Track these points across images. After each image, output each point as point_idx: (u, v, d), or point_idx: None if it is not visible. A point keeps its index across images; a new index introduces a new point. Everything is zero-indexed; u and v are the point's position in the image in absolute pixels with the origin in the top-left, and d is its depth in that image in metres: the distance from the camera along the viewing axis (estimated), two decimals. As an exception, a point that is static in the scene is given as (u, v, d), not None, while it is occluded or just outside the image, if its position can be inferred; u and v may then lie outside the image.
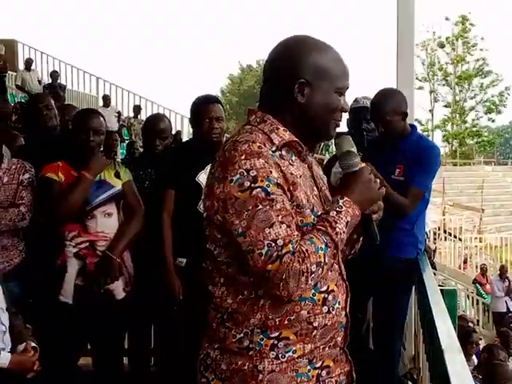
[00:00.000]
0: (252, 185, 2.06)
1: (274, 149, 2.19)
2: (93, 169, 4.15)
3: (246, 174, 2.07)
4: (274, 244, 2.03)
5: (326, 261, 2.10)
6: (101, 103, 20.62)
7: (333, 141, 2.44)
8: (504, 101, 53.48)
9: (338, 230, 2.12)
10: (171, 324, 4.61)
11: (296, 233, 2.09)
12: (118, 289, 4.26)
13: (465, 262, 23.94)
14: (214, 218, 2.17)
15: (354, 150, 2.32)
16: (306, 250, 2.05)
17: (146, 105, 22.68)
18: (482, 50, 51.96)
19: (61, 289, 4.13)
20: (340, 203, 2.18)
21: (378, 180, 2.29)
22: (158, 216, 4.47)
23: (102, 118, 4.36)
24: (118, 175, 4.32)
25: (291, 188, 2.16)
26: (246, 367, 2.18)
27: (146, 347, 5.29)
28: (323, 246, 2.09)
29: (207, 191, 2.21)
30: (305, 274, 2.04)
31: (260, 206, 2.05)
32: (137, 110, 20.16)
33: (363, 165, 2.30)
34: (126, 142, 16.16)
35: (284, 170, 2.16)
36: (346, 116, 5.13)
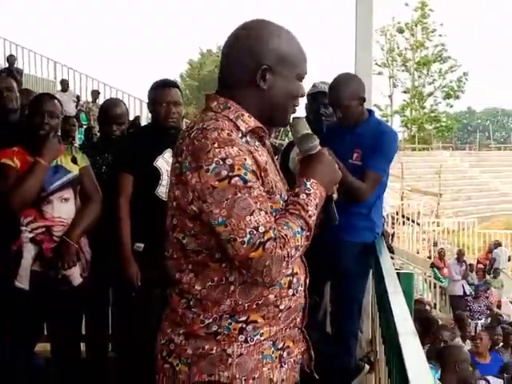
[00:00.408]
0: (230, 173, 2.06)
1: (240, 135, 2.19)
2: (48, 154, 4.10)
3: (222, 162, 2.06)
4: (255, 231, 2.04)
5: (302, 243, 2.15)
6: (59, 88, 20.39)
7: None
8: (462, 86, 53.99)
9: (310, 212, 2.17)
10: (129, 309, 4.59)
11: (273, 219, 2.11)
12: (75, 274, 4.23)
13: (435, 244, 24.10)
14: (187, 207, 2.15)
15: (310, 131, 2.33)
16: (286, 235, 2.08)
17: (104, 89, 22.47)
18: (440, 35, 52.34)
19: (17, 274, 4.09)
20: (308, 185, 2.21)
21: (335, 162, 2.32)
22: (114, 201, 4.44)
23: (57, 102, 4.32)
24: (74, 160, 4.29)
25: (263, 174, 2.17)
26: (213, 351, 2.19)
27: (104, 333, 5.27)
28: (299, 230, 2.13)
29: (176, 180, 2.18)
30: (286, 258, 2.07)
31: (239, 195, 2.05)
32: (95, 94, 20.02)
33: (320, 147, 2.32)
34: (84, 127, 16.02)
35: (255, 156, 2.16)
36: (304, 101, 5.15)
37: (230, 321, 2.19)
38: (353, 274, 4.47)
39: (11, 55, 20.13)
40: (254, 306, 2.19)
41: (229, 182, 2.05)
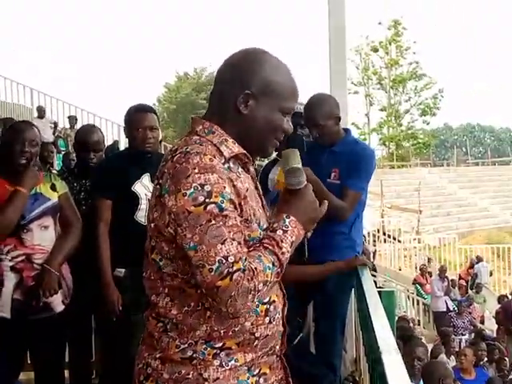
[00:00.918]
0: (206, 200, 2.06)
1: (223, 161, 2.19)
2: (28, 183, 4.07)
3: (200, 188, 2.06)
4: (225, 261, 2.03)
5: (272, 279, 2.13)
6: (35, 114, 20.32)
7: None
8: (437, 103, 54.38)
9: (283, 249, 2.15)
10: (111, 335, 4.57)
11: (245, 250, 2.10)
12: (57, 301, 4.20)
13: (429, 261, 24.02)
14: (163, 230, 2.16)
15: (300, 165, 2.31)
16: (255, 269, 2.06)
17: (81, 115, 22.40)
18: (414, 53, 52.76)
19: None
20: (286, 222, 2.20)
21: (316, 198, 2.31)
22: (93, 227, 4.43)
23: (36, 129, 4.30)
24: (53, 187, 4.27)
25: (242, 202, 2.17)
26: (190, 376, 2.18)
27: (87, 359, 5.24)
28: (270, 265, 2.11)
29: (155, 202, 2.19)
30: (252, 292, 2.06)
31: (213, 222, 2.05)
32: (72, 120, 19.95)
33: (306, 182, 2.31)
34: (63, 152, 15.97)
35: (236, 184, 2.16)
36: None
37: (205, 346, 2.18)
38: (335, 294, 4.47)
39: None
40: (230, 333, 2.19)
41: (204, 208, 2.05)
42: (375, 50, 53.18)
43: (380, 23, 52.72)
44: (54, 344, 4.32)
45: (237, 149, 2.25)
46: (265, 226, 2.25)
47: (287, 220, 2.20)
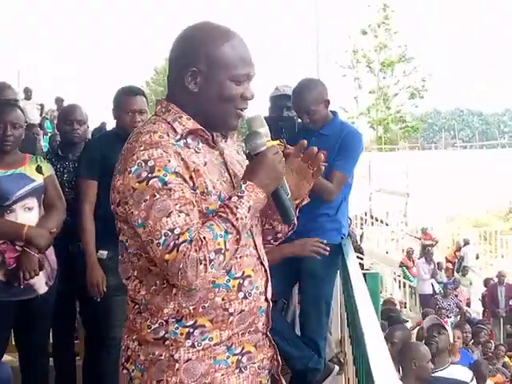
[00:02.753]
0: (149, 175, 2.06)
1: (178, 137, 2.19)
2: (38, 243, 4.10)
3: (143, 164, 2.07)
4: (170, 233, 2.03)
5: (228, 247, 2.09)
6: (22, 96, 20.20)
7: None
8: (426, 86, 54.31)
9: (238, 215, 2.12)
10: (94, 316, 4.57)
11: (196, 221, 2.08)
12: (40, 283, 4.20)
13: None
14: (117, 209, 2.18)
15: (263, 130, 2.28)
16: (204, 238, 2.04)
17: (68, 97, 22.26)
18: (403, 37, 52.59)
19: None
20: (242, 188, 2.17)
21: (283, 158, 2.27)
22: (78, 208, 4.43)
23: (19, 111, 4.27)
24: (39, 170, 4.24)
25: (193, 175, 2.14)
26: (162, 357, 2.19)
27: (71, 340, 5.24)
28: (222, 233, 2.08)
29: (112, 184, 2.20)
30: (203, 262, 2.03)
31: (157, 196, 2.05)
32: (59, 102, 19.82)
33: (270, 145, 2.27)
34: (49, 134, 15.89)
35: (185, 158, 2.14)
36: (267, 104, 5.17)
37: (176, 325, 2.18)
38: (320, 276, 4.47)
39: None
40: (201, 310, 2.17)
41: (147, 183, 2.06)
42: (364, 33, 53.02)
43: (369, 6, 52.54)
44: (38, 325, 4.33)
45: (191, 125, 2.24)
46: None
47: (243, 186, 2.17)
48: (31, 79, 23.20)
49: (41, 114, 19.27)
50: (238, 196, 2.15)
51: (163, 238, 2.03)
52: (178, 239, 2.02)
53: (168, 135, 2.17)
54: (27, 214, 4.15)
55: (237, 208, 2.12)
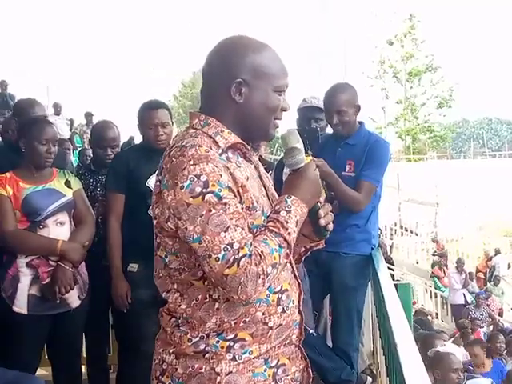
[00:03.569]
0: (204, 190, 2.05)
1: (220, 152, 2.18)
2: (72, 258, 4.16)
3: (196, 179, 2.05)
4: (230, 248, 2.03)
5: (281, 261, 2.11)
6: (52, 111, 20.38)
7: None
8: (453, 95, 54.01)
9: (289, 230, 2.13)
10: (125, 330, 4.58)
11: (250, 235, 2.09)
12: (73, 297, 4.22)
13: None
14: (165, 225, 2.16)
15: (300, 145, 2.28)
16: (262, 252, 2.05)
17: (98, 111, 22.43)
18: (430, 46, 52.41)
19: (14, 299, 4.07)
20: (289, 203, 2.17)
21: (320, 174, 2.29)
22: (105, 221, 4.46)
23: (55, 127, 4.34)
24: (68, 184, 4.28)
25: (241, 190, 2.15)
26: (203, 370, 2.18)
27: (105, 353, 5.26)
28: (277, 247, 2.09)
29: (156, 198, 2.19)
30: (261, 276, 2.04)
31: (213, 211, 2.04)
32: (88, 117, 19.97)
33: (308, 160, 2.28)
34: (79, 149, 16.00)
35: (233, 172, 2.14)
36: (295, 116, 5.17)
37: (217, 339, 2.18)
38: (351, 287, 4.47)
39: (3, 80, 20.12)
40: (242, 324, 2.18)
41: (203, 198, 2.05)
42: (390, 44, 52.91)
43: (395, 15, 52.41)
44: (71, 339, 4.36)
45: (233, 139, 2.24)
46: (268, 214, 2.23)
47: (289, 200, 2.18)
48: (60, 94, 23.30)
49: (70, 129, 19.42)
50: (286, 211, 2.16)
51: (223, 253, 2.02)
52: (237, 254, 2.02)
53: (211, 149, 2.16)
54: (59, 229, 4.18)
55: (287, 222, 2.13)
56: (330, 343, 4.80)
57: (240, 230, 2.06)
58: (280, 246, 2.10)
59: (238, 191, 2.14)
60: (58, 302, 4.12)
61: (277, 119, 2.31)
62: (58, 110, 19.78)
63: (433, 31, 58.96)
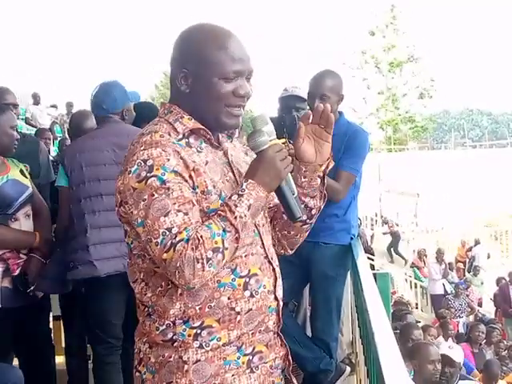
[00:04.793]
0: (148, 174, 2.07)
1: (180, 137, 2.20)
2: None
3: (143, 164, 2.08)
4: (168, 232, 2.03)
5: (227, 246, 2.07)
6: (31, 101, 20.25)
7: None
8: (435, 86, 54.17)
9: (237, 213, 2.10)
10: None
11: (195, 220, 2.08)
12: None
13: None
14: (119, 210, 2.19)
15: (266, 128, 2.26)
16: (201, 237, 2.03)
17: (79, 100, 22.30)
18: (411, 36, 52.51)
19: None
20: (243, 186, 2.15)
21: (288, 156, 2.24)
22: None
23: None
24: (23, 173, 4.22)
25: (193, 174, 2.15)
26: (171, 359, 2.19)
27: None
28: (221, 232, 2.07)
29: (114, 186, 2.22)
30: (200, 260, 2.02)
31: (156, 195, 2.06)
32: (69, 106, 19.89)
33: (274, 142, 2.25)
34: (59, 138, 15.92)
35: (184, 157, 2.15)
36: (276, 105, 5.16)
37: (184, 327, 2.17)
38: (330, 277, 4.46)
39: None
40: (207, 309, 2.17)
41: (145, 182, 2.07)
42: (372, 34, 52.95)
43: (377, 6, 52.47)
44: (41, 329, 4.40)
45: (192, 124, 2.25)
46: None
47: (245, 184, 2.15)
48: (40, 83, 23.15)
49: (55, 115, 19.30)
50: (238, 194, 2.13)
51: (161, 237, 2.03)
52: (175, 238, 2.02)
53: (170, 135, 2.18)
54: (28, 222, 4.16)
55: (236, 206, 2.10)
56: (309, 333, 4.81)
57: (182, 214, 2.05)
58: (224, 230, 2.07)
59: (190, 175, 2.14)
60: (31, 293, 4.10)
61: (231, 106, 2.25)
62: (37, 99, 19.68)
63: (414, 22, 59.12)
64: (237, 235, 2.09)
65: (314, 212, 2.51)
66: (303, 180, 2.42)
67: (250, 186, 2.14)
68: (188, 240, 2.02)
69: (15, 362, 4.61)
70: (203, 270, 2.02)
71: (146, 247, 2.10)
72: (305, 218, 2.41)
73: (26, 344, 4.34)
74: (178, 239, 2.02)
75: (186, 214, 2.06)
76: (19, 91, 23.13)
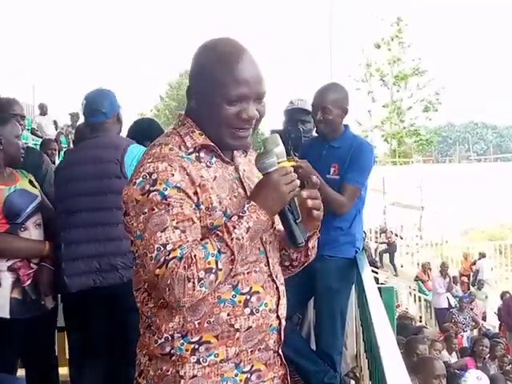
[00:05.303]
0: (151, 188, 2.07)
1: (190, 151, 2.19)
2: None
3: (148, 177, 2.08)
4: (163, 248, 2.03)
5: (220, 267, 2.05)
6: (37, 112, 20.30)
7: None
8: (440, 99, 54.20)
9: (234, 235, 2.08)
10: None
11: (192, 238, 2.07)
12: (49, 298, 4.20)
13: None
14: (124, 220, 2.19)
15: (278, 150, 2.23)
16: (195, 256, 2.02)
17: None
18: (417, 50, 52.61)
19: None
20: (245, 208, 2.13)
21: (295, 180, 2.19)
22: None
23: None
24: (32, 183, 4.23)
25: (198, 190, 2.13)
26: (169, 373, 2.18)
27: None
28: (215, 252, 2.05)
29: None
30: (191, 280, 2.00)
31: (156, 210, 2.06)
32: (74, 117, 19.91)
33: (281, 165, 2.21)
34: (64, 149, 15.95)
35: (191, 172, 2.13)
36: (281, 118, 5.18)
37: (182, 341, 2.16)
38: (335, 290, 4.45)
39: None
40: (206, 325, 2.15)
41: (147, 196, 2.07)
42: (377, 47, 53.08)
43: (382, 19, 52.59)
44: (46, 340, 4.36)
45: (201, 140, 2.23)
46: None
47: (246, 205, 2.13)
48: (46, 94, 23.20)
49: (56, 129, 19.35)
50: (238, 216, 2.11)
51: (155, 253, 2.03)
52: (168, 255, 2.02)
53: (180, 148, 2.18)
54: (38, 231, 4.13)
55: (234, 228, 2.09)
56: (313, 346, 4.80)
57: (179, 232, 2.05)
58: (219, 251, 2.05)
59: (195, 192, 2.13)
60: (42, 302, 4.09)
61: (237, 129, 2.22)
62: (44, 110, 19.73)
63: (420, 35, 59.20)
64: (232, 257, 2.08)
65: (295, 264, 2.50)
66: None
67: (252, 209, 2.12)
68: (181, 258, 2.01)
69: (21, 372, 4.61)
70: (194, 290, 2.01)
71: (142, 260, 2.10)
72: (303, 244, 2.31)
73: (33, 355, 4.31)
74: (171, 256, 2.02)
75: (184, 231, 2.06)
76: (24, 102, 23.24)
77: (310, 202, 2.23)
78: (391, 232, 25.72)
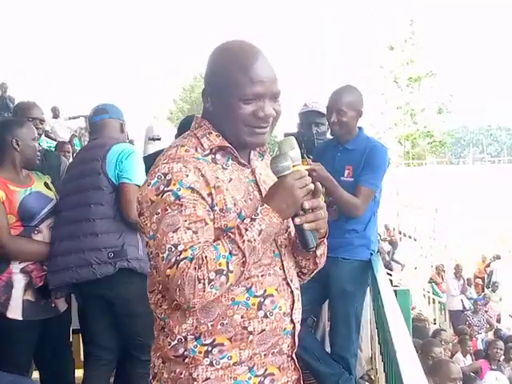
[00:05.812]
0: (165, 188, 2.08)
1: (206, 152, 2.20)
2: None
3: (162, 177, 2.09)
4: (174, 249, 2.03)
5: (231, 268, 2.04)
6: (50, 115, 20.31)
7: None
8: (453, 101, 54.08)
9: (245, 237, 2.07)
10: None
11: (203, 239, 2.06)
12: (62, 300, 4.23)
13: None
14: (138, 220, 2.19)
15: (293, 153, 2.22)
16: (206, 257, 2.01)
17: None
18: (430, 51, 52.50)
19: (8, 305, 4.03)
20: (258, 210, 2.13)
21: (309, 184, 2.17)
22: None
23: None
24: (47, 186, 4.25)
25: (213, 192, 2.13)
26: (182, 375, 2.17)
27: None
28: (226, 254, 2.04)
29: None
30: (202, 281, 2.00)
31: (169, 210, 2.06)
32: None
33: (296, 169, 2.20)
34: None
35: (206, 174, 2.13)
36: (296, 120, 5.18)
37: (195, 343, 2.15)
38: (349, 292, 4.44)
39: (3, 83, 20.08)
40: (219, 327, 2.14)
41: (161, 196, 2.07)
42: (391, 49, 53.00)
43: (396, 21, 52.51)
44: (60, 342, 4.37)
45: (218, 141, 2.24)
46: None
47: (260, 208, 2.13)
48: (60, 94, 23.29)
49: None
50: (251, 218, 2.11)
51: (167, 253, 2.03)
52: (179, 255, 2.02)
53: (196, 150, 2.19)
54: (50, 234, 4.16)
55: (246, 230, 2.08)
56: (328, 349, 4.79)
57: (191, 232, 2.05)
58: (230, 253, 2.05)
59: (209, 193, 2.13)
60: (53, 305, 4.12)
61: (254, 127, 2.22)
62: (56, 113, 19.72)
63: (433, 37, 58.94)
64: (243, 259, 2.07)
65: (304, 271, 2.48)
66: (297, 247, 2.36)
67: (265, 211, 2.12)
68: (192, 259, 2.01)
69: (35, 374, 4.62)
70: (204, 291, 2.01)
71: (154, 260, 2.11)
72: (314, 249, 2.31)
73: (47, 357, 4.33)
74: (182, 257, 2.02)
75: (196, 232, 2.06)
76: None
77: (306, 226, 2.20)
78: (393, 229, 25.61)
